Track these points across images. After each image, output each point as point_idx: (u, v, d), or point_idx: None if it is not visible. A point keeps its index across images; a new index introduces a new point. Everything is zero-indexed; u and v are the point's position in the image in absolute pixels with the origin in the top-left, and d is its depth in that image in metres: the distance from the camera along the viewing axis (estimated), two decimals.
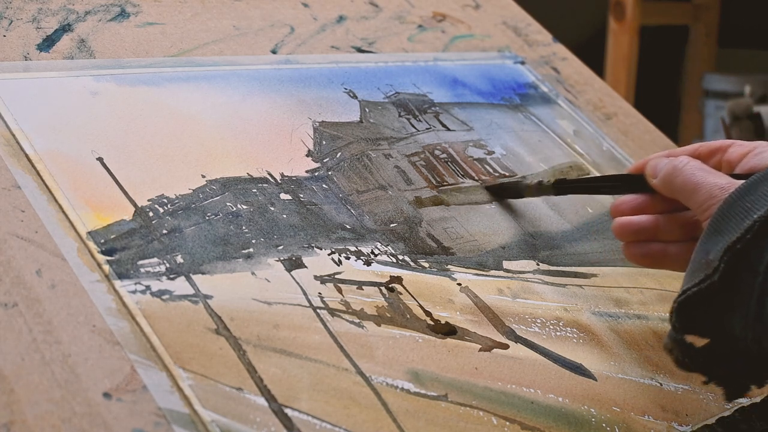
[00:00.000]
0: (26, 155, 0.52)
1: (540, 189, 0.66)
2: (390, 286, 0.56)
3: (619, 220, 0.60)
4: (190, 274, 0.50)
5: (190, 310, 0.48)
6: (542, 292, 0.62)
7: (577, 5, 2.20)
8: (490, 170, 0.71)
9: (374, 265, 0.57)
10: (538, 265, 0.64)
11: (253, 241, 0.54)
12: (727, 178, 0.52)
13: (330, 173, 0.63)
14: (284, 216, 0.57)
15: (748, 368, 0.50)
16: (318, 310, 0.52)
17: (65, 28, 0.63)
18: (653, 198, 0.59)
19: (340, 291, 0.54)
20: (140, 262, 0.49)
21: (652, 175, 0.58)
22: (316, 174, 0.62)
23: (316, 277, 0.54)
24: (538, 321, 0.59)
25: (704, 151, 0.60)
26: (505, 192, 0.68)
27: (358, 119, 0.69)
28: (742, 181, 0.50)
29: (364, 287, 0.55)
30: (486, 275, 0.61)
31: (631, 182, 0.61)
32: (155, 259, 0.50)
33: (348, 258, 0.57)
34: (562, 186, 0.65)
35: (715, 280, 0.47)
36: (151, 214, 0.53)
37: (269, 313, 0.50)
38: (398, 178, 0.66)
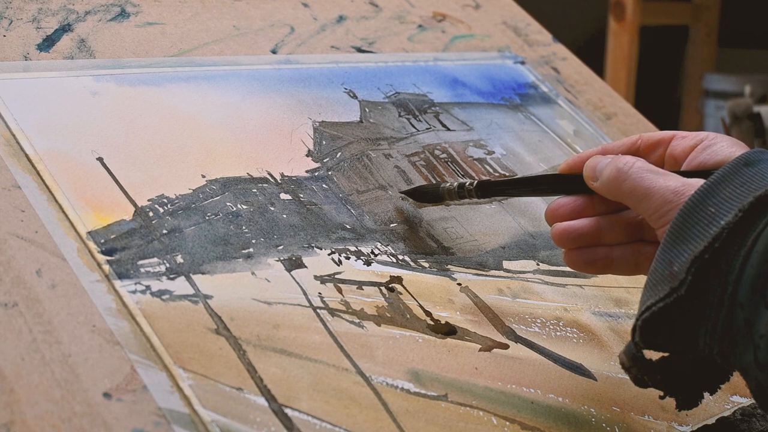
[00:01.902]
0: (26, 155, 0.52)
1: (461, 192, 0.59)
2: (390, 286, 0.56)
3: (558, 227, 0.54)
4: (190, 274, 0.50)
5: (190, 310, 0.48)
6: (542, 292, 0.62)
7: (577, 5, 2.20)
8: (490, 170, 0.71)
9: (374, 265, 0.57)
10: (538, 265, 0.64)
11: (253, 241, 0.54)
12: (679, 178, 0.48)
13: (330, 173, 0.63)
14: (284, 216, 0.57)
15: (705, 379, 0.48)
16: (318, 310, 0.52)
17: (65, 28, 0.63)
18: (592, 199, 0.54)
19: (340, 291, 0.54)
20: (140, 262, 0.49)
21: (591, 177, 0.52)
22: (316, 174, 0.62)
23: (316, 277, 0.54)
24: (538, 321, 0.59)
25: (644, 145, 0.56)
26: (423, 196, 0.62)
27: (358, 119, 0.69)
28: (698, 181, 0.46)
29: (364, 287, 0.55)
30: (486, 275, 0.61)
31: (566, 183, 0.56)
32: (155, 259, 0.50)
33: (348, 258, 0.57)
34: (487, 189, 0.59)
35: (681, 294, 0.43)
36: (151, 214, 0.53)
37: (269, 313, 0.50)
38: (398, 178, 0.66)
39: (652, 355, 0.47)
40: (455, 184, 0.60)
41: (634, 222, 0.54)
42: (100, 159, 0.54)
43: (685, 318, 0.44)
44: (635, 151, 0.55)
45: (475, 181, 0.59)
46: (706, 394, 0.49)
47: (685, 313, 0.44)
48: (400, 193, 0.63)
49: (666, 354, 0.47)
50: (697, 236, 0.44)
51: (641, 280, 0.66)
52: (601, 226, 0.54)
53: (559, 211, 0.55)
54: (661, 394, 0.48)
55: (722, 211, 0.44)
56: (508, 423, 0.50)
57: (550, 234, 0.55)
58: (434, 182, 0.64)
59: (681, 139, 0.54)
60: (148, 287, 0.48)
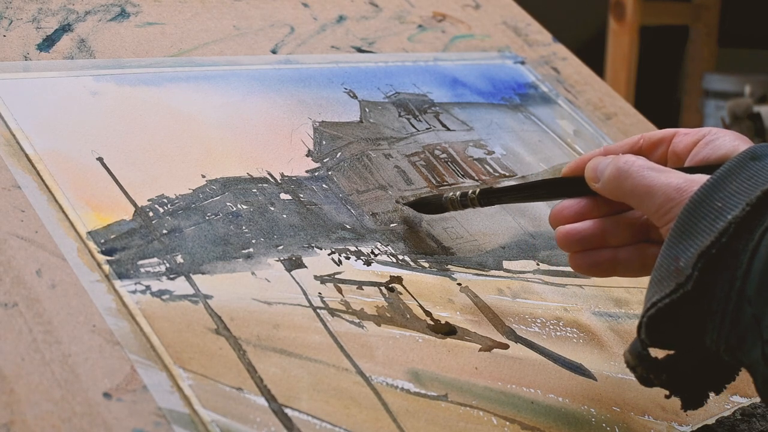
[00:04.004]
0: (26, 155, 0.52)
1: (464, 201, 0.59)
2: (390, 286, 0.56)
3: (562, 230, 0.54)
4: (190, 274, 0.50)
5: (190, 310, 0.48)
6: (542, 292, 0.62)
7: (577, 5, 2.20)
8: (490, 170, 0.71)
9: (374, 265, 0.57)
10: (538, 265, 0.64)
11: (253, 241, 0.54)
12: (682, 175, 0.47)
13: (330, 173, 0.63)
14: (284, 216, 0.57)
15: (710, 377, 0.48)
16: (318, 310, 0.52)
17: (65, 28, 0.63)
18: (595, 201, 0.53)
19: (340, 291, 0.54)
20: (140, 262, 0.49)
21: (593, 179, 0.52)
22: (316, 174, 0.62)
23: (316, 277, 0.54)
24: (538, 321, 0.59)
25: (646, 143, 0.55)
26: (426, 207, 0.62)
27: (358, 119, 0.69)
28: (701, 177, 0.46)
29: (364, 287, 0.55)
30: (486, 275, 0.61)
31: (569, 186, 0.55)
32: (155, 259, 0.50)
33: (348, 258, 0.57)
34: (489, 196, 0.58)
35: (688, 289, 0.43)
36: (151, 214, 0.53)
37: (269, 313, 0.50)
38: (398, 178, 0.66)
39: (657, 353, 0.46)
40: (458, 193, 0.59)
41: (639, 222, 0.53)
42: (100, 159, 0.54)
43: (691, 314, 0.44)
44: (637, 150, 0.55)
45: (477, 190, 0.59)
46: (710, 394, 0.49)
47: (692, 310, 0.44)
48: (403, 204, 0.63)
49: (671, 352, 0.46)
50: (703, 231, 0.43)
51: (641, 280, 0.66)
52: (605, 228, 0.53)
53: (562, 214, 0.54)
54: (667, 393, 0.48)
55: (729, 205, 0.43)
56: (508, 423, 0.50)
57: (555, 237, 0.54)
58: (436, 193, 0.64)
59: (683, 136, 0.53)
60: (148, 287, 0.48)
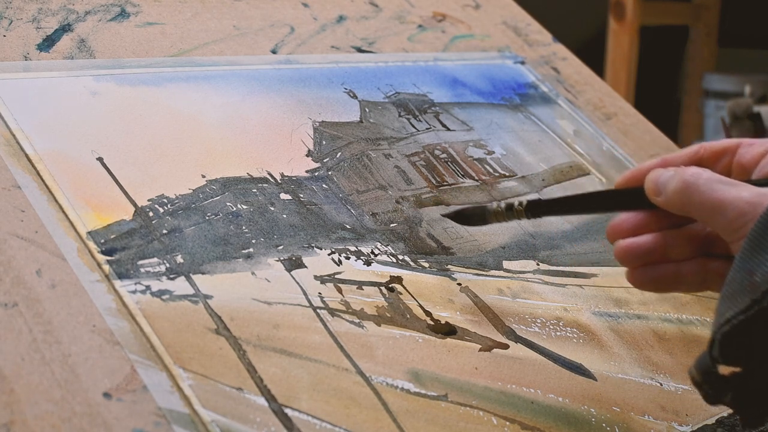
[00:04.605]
0: (26, 155, 0.52)
1: (509, 213, 0.55)
2: (390, 286, 0.56)
3: (622, 244, 0.51)
4: (190, 274, 0.50)
5: (190, 310, 0.48)
6: (542, 292, 0.62)
7: (577, 5, 2.20)
8: (490, 170, 0.71)
9: (374, 265, 0.57)
10: (538, 265, 0.64)
11: (253, 241, 0.54)
12: (752, 188, 0.45)
13: (330, 173, 0.63)
14: (284, 216, 0.57)
15: None
16: (318, 310, 0.52)
17: (65, 28, 0.63)
18: (655, 213, 0.51)
19: (340, 291, 0.54)
20: (140, 262, 0.49)
21: (654, 192, 0.49)
22: (316, 174, 0.62)
23: (316, 277, 0.54)
24: (538, 321, 0.59)
25: (707, 154, 0.53)
26: (467, 219, 0.59)
27: (358, 119, 0.69)
28: None
29: (364, 287, 0.55)
30: (486, 275, 0.61)
31: (626, 198, 0.53)
32: (155, 259, 0.50)
33: (348, 258, 0.57)
34: (537, 209, 0.55)
35: (764, 305, 0.41)
36: (151, 214, 0.53)
37: (269, 313, 0.50)
38: (398, 178, 0.66)
39: (723, 370, 0.44)
40: (503, 205, 0.56)
41: (701, 235, 0.51)
42: (100, 159, 0.54)
43: (764, 331, 0.42)
44: (698, 161, 0.53)
45: (525, 201, 0.55)
46: None
47: (765, 326, 0.42)
48: (441, 215, 0.61)
49: (737, 370, 0.44)
50: None
51: None
52: (666, 242, 0.51)
53: (621, 227, 0.52)
54: (730, 411, 0.46)
55: None
56: (508, 423, 0.50)
57: (613, 252, 0.52)
58: (479, 205, 0.60)
59: (749, 147, 0.52)
60: (148, 287, 0.48)
